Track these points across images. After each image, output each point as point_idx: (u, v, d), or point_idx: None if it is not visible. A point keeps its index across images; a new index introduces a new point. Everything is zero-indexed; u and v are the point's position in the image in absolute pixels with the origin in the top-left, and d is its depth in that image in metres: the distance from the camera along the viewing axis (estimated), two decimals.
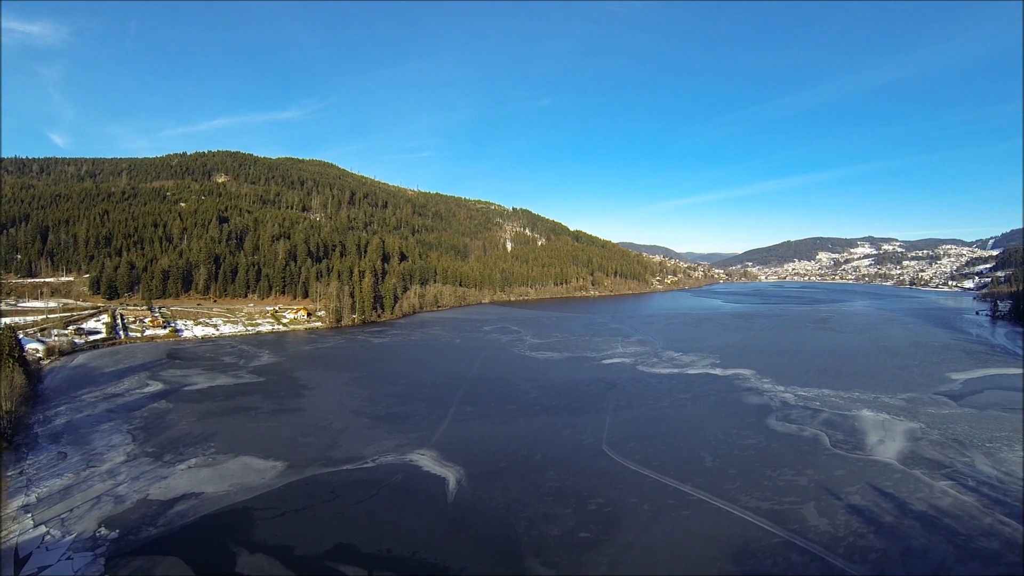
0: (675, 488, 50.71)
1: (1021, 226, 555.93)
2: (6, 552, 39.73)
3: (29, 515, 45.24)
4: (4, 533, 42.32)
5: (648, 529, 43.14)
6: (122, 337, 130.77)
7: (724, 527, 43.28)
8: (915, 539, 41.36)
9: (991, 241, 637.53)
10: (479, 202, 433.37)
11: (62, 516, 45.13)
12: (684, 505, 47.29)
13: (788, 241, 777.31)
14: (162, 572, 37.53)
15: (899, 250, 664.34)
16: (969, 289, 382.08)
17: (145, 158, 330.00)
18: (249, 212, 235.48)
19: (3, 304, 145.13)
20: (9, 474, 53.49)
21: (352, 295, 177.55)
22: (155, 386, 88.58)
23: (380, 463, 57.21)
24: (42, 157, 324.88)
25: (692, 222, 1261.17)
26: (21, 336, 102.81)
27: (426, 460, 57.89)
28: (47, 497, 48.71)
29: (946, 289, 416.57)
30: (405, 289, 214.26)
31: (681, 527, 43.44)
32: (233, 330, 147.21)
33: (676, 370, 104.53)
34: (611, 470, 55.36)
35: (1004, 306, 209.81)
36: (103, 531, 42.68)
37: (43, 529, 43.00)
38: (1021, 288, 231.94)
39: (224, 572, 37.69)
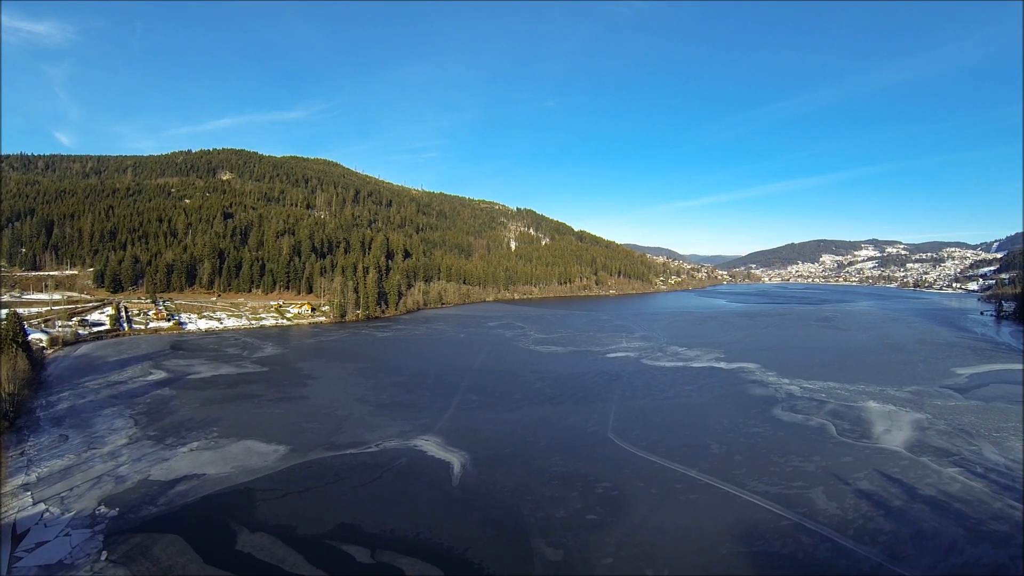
0: (682, 473, 50.18)
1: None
2: (4, 528, 39.41)
3: (28, 493, 44.99)
4: (3, 510, 42.06)
5: (656, 511, 42.61)
6: (126, 329, 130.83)
7: (733, 510, 42.73)
8: (925, 522, 40.74)
9: (995, 244, 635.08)
10: (483, 202, 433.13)
11: (62, 495, 44.84)
12: (691, 489, 46.75)
13: (792, 243, 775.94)
14: (161, 549, 37.08)
15: (903, 253, 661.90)
16: (973, 291, 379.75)
17: (150, 156, 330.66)
18: (254, 209, 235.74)
19: (7, 296, 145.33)
20: (10, 454, 53.28)
21: (356, 291, 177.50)
22: (158, 374, 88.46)
23: (384, 448, 56.81)
24: (47, 154, 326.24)
25: (696, 224, 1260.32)
26: (25, 326, 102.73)
27: (430, 445, 57.48)
28: (47, 476, 48.48)
29: (950, 291, 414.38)
30: (409, 286, 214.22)
31: (689, 510, 42.91)
32: (237, 324, 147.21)
33: (681, 363, 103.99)
34: (617, 456, 54.85)
35: (1009, 306, 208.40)
36: (102, 509, 42.35)
37: (42, 507, 42.70)
38: None
39: (224, 550, 37.25)
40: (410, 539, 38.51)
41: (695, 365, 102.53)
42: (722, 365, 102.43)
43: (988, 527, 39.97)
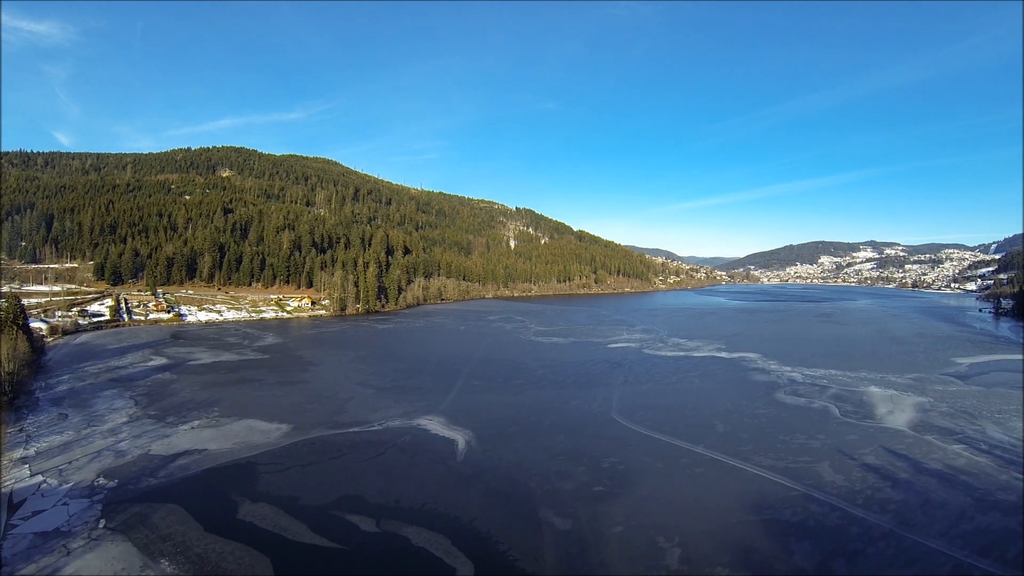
0: (688, 449, 49.88)
1: (1023, 231, 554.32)
2: (0, 497, 38.90)
3: (27, 466, 44.48)
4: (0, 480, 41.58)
5: (664, 484, 42.29)
6: (126, 320, 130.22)
7: (740, 482, 42.44)
8: (933, 492, 40.51)
9: (994, 246, 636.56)
10: (482, 201, 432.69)
11: (60, 467, 44.35)
12: (698, 463, 46.45)
13: (790, 245, 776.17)
14: (160, 518, 36.57)
15: (901, 254, 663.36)
16: (972, 291, 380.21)
17: (149, 153, 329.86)
18: (254, 205, 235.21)
19: (7, 288, 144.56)
20: (9, 431, 52.75)
21: (356, 285, 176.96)
22: (159, 360, 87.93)
23: (387, 427, 56.42)
24: (47, 151, 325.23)
25: (695, 226, 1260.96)
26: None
27: (434, 424, 57.10)
28: (46, 451, 47.97)
29: (949, 291, 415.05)
30: (409, 282, 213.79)
31: (697, 482, 42.60)
32: (237, 316, 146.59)
33: (682, 353, 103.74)
34: (622, 434, 54.53)
35: (1007, 303, 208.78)
36: (101, 481, 41.91)
37: (40, 478, 42.20)
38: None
39: (226, 519, 36.79)
40: (415, 510, 38.09)
41: (696, 355, 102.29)
42: (723, 355, 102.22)
43: (996, 497, 39.80)
